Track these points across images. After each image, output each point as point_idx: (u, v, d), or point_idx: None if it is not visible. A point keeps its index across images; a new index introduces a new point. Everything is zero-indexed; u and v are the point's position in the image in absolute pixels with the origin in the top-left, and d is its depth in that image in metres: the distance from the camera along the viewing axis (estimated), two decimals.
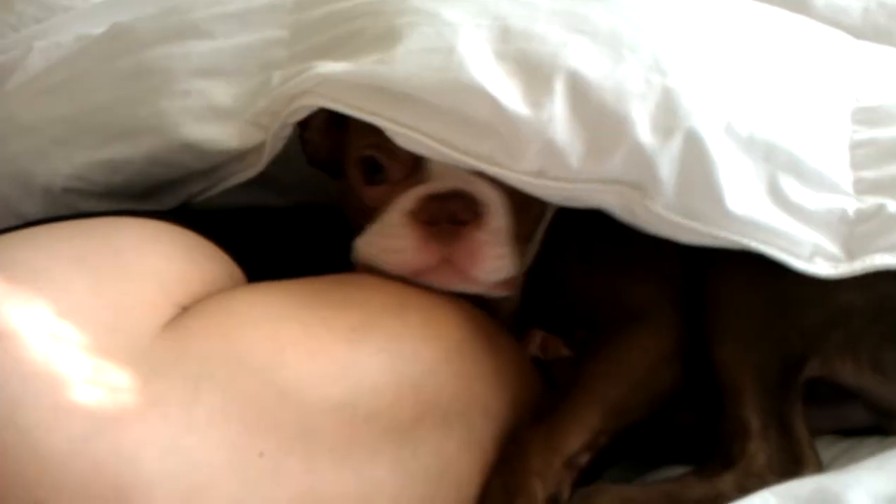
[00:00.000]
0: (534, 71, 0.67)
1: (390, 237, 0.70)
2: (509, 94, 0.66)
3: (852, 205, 0.66)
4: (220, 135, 0.73)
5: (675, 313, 0.72)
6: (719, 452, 0.66)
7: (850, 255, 0.64)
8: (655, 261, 0.75)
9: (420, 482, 0.61)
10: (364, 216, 0.73)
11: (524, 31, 0.69)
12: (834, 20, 0.96)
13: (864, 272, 0.63)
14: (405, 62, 0.67)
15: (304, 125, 0.77)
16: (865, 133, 0.70)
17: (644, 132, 0.64)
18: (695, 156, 0.64)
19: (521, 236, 0.73)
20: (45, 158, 0.77)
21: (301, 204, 0.84)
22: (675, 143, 0.64)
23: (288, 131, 0.74)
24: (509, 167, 0.66)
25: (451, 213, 0.68)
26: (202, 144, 0.74)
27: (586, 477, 0.67)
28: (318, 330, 0.61)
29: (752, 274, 0.70)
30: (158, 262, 0.63)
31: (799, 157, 0.66)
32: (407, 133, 0.67)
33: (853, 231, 0.65)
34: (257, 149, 0.74)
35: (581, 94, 0.66)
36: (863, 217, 0.65)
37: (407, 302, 0.67)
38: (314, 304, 0.64)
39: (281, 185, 0.82)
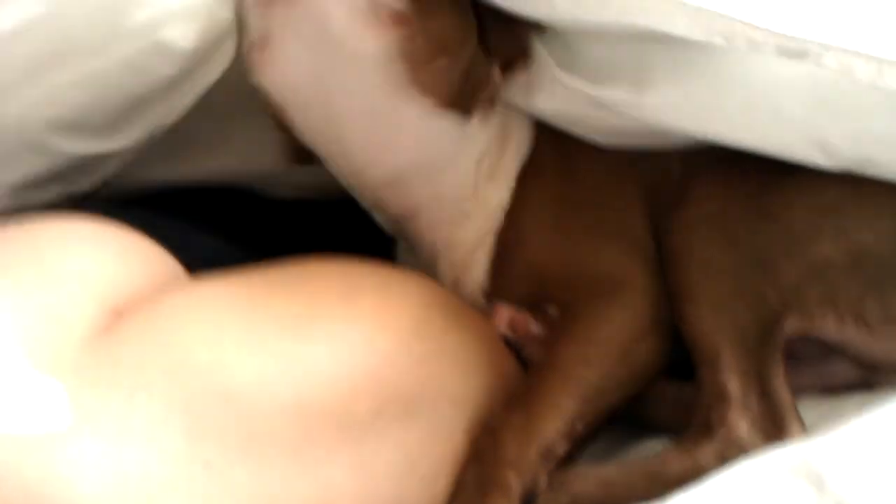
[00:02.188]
0: None
1: None
2: None
3: None
4: (192, 30, 0.69)
5: (648, 280, 0.68)
6: (698, 421, 0.62)
7: None
8: (622, 223, 0.72)
9: (384, 480, 0.57)
10: None
11: None
12: None
13: None
14: None
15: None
16: None
17: None
18: None
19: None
20: (14, 93, 0.71)
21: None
22: None
23: None
24: None
25: None
26: (175, 44, 0.69)
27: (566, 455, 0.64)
28: (261, 324, 0.57)
29: (723, 229, 0.66)
30: (87, 266, 0.59)
31: None
32: None
33: None
34: (223, 41, 0.71)
35: None
36: None
37: (358, 285, 0.63)
38: (257, 297, 0.60)
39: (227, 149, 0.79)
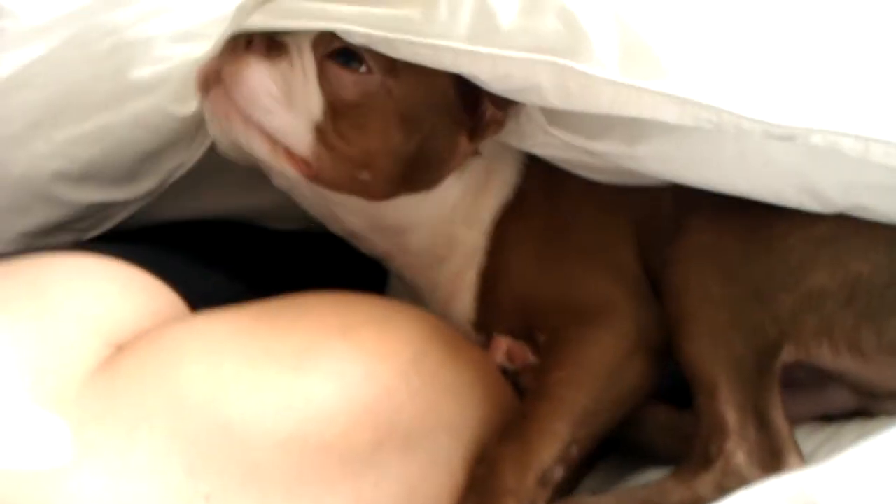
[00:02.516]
0: None
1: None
2: None
3: None
4: (191, 93, 0.70)
5: (633, 304, 0.69)
6: (697, 451, 0.63)
7: None
8: (605, 250, 0.72)
9: None
10: None
11: None
12: None
13: None
14: None
15: None
16: None
17: None
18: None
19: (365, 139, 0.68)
20: (21, 144, 0.73)
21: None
22: None
23: None
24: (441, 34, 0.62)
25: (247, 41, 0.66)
26: (176, 110, 0.71)
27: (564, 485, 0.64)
28: (261, 359, 0.58)
29: (719, 260, 0.67)
30: (89, 301, 0.60)
31: None
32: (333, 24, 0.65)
33: None
34: None
35: None
36: None
37: (357, 318, 0.64)
38: (257, 331, 0.60)
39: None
